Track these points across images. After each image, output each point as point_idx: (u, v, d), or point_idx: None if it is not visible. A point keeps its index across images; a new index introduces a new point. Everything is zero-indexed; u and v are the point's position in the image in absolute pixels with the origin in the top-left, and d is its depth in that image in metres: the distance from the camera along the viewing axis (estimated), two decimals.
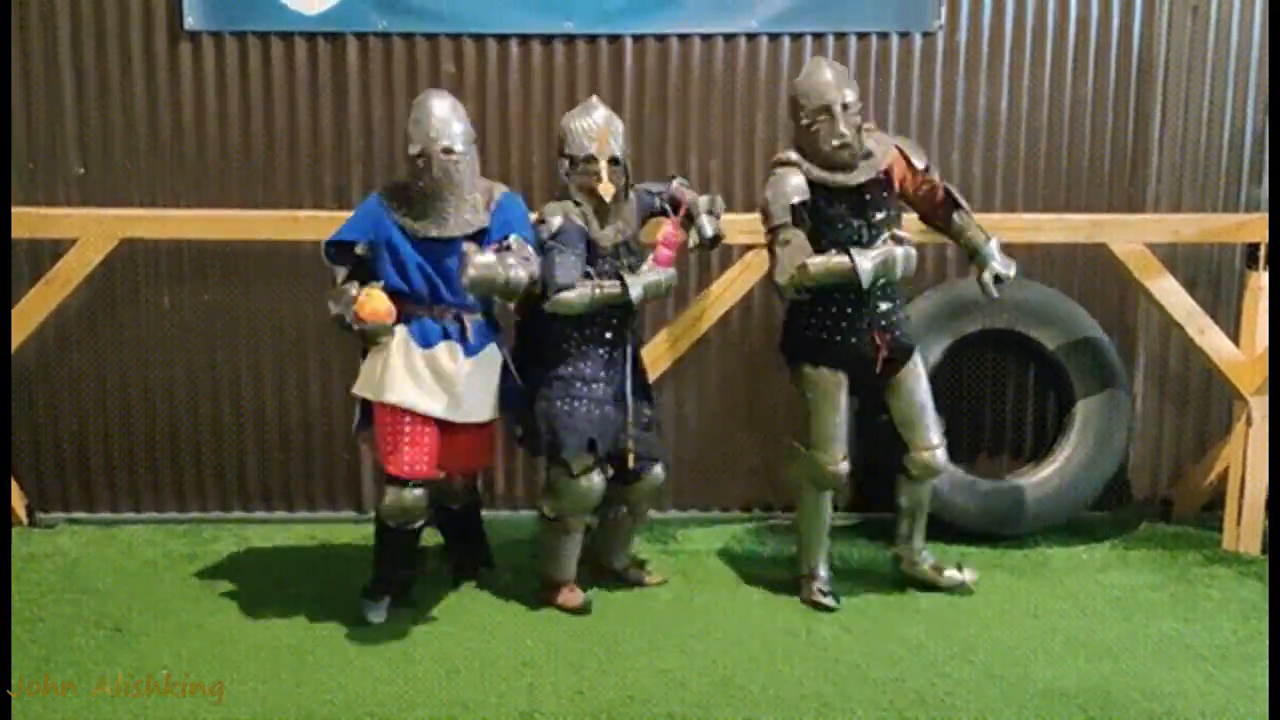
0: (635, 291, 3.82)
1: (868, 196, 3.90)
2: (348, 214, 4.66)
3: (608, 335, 3.92)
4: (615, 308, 3.89)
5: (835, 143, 3.83)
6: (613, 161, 3.90)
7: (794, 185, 3.85)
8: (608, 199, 3.89)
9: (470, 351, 3.81)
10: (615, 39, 4.74)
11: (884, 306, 3.95)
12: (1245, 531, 4.60)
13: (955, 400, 5.00)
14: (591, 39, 4.74)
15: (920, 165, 4.01)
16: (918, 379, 4.06)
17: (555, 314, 3.85)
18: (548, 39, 4.73)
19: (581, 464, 3.85)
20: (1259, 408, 4.54)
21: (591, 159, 3.88)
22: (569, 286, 3.79)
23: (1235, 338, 4.63)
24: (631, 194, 4.04)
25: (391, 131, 4.75)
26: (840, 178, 3.87)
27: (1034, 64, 4.84)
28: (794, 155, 3.93)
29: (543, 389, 3.90)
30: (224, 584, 4.23)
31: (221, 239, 4.65)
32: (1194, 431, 5.11)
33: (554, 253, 3.81)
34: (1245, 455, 4.58)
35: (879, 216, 3.91)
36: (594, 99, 4.06)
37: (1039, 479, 4.74)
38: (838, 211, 3.88)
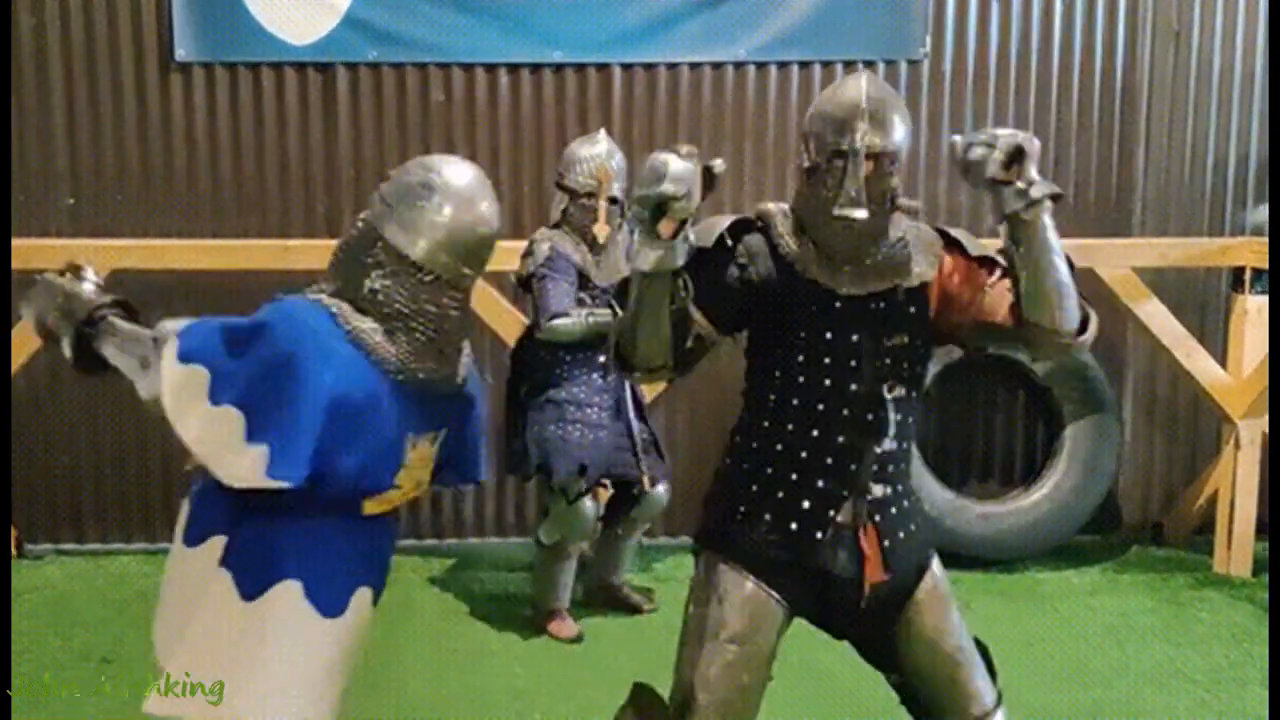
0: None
1: (877, 305, 2.29)
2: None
3: (601, 359, 3.85)
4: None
5: (836, 210, 2.20)
6: (611, 201, 3.86)
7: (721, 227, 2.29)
8: (602, 240, 3.84)
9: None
10: (604, 68, 4.77)
11: (879, 491, 2.29)
12: (1236, 554, 4.60)
13: (945, 426, 5.01)
14: (580, 68, 4.76)
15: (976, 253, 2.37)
16: (945, 609, 2.38)
17: (549, 341, 3.83)
18: (536, 68, 4.76)
19: (575, 489, 3.83)
20: (1247, 431, 4.56)
21: (590, 196, 3.84)
22: (563, 314, 3.74)
23: (1223, 361, 4.65)
24: (622, 233, 3.92)
25: (382, 160, 4.77)
26: (825, 278, 2.27)
27: (1019, 91, 4.89)
28: (773, 207, 2.35)
29: (533, 414, 3.88)
30: None
31: (213, 269, 4.65)
32: (1183, 455, 5.12)
33: (545, 280, 3.76)
34: (1234, 478, 4.60)
35: (893, 343, 2.29)
36: (600, 133, 4.03)
37: (1029, 504, 4.75)
38: (825, 315, 2.27)
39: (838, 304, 2.28)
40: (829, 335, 2.27)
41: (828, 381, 2.27)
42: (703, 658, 2.29)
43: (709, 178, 2.09)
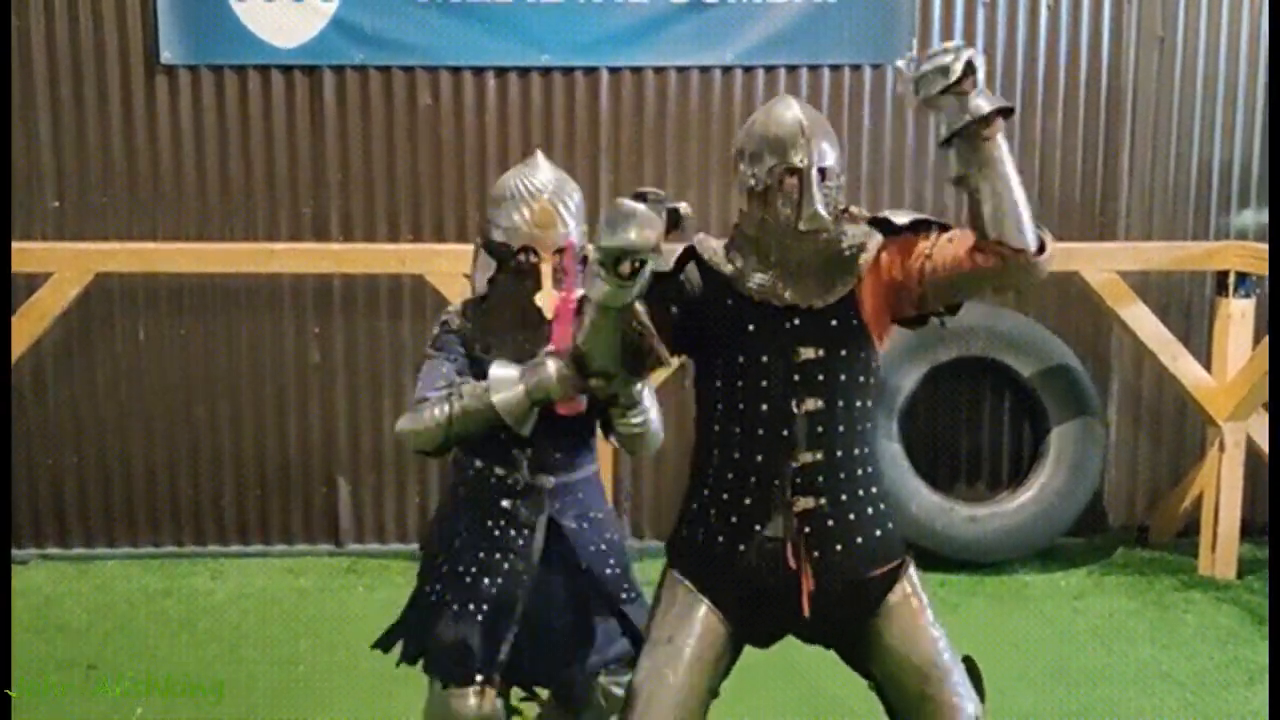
0: (500, 395, 2.44)
1: (791, 324, 2.33)
2: (325, 246, 4.71)
3: (503, 504, 2.60)
4: (506, 467, 2.59)
5: (803, 225, 2.27)
6: (558, 253, 2.52)
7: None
8: (549, 312, 2.49)
9: None
10: (591, 71, 4.77)
11: (807, 503, 2.30)
12: (1220, 557, 4.62)
13: (931, 429, 5.03)
14: (568, 72, 4.76)
15: (904, 221, 2.39)
16: (915, 621, 2.39)
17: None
18: (524, 71, 4.76)
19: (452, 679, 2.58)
20: (1232, 434, 4.58)
21: (527, 251, 2.53)
22: (423, 401, 2.53)
23: (1207, 364, 4.67)
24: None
25: (369, 164, 4.76)
26: (790, 294, 2.33)
27: (1004, 95, 4.88)
28: (702, 237, 2.42)
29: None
30: (200, 620, 4.19)
31: (197, 272, 4.64)
32: (1168, 458, 5.14)
33: (424, 364, 2.62)
34: (1219, 481, 4.62)
35: (804, 358, 2.32)
36: (538, 157, 2.68)
37: (1015, 506, 4.76)
38: (738, 341, 2.34)
39: (751, 327, 2.33)
40: (741, 359, 2.34)
41: (741, 405, 2.35)
42: (643, 658, 2.39)
43: (674, 219, 2.15)
